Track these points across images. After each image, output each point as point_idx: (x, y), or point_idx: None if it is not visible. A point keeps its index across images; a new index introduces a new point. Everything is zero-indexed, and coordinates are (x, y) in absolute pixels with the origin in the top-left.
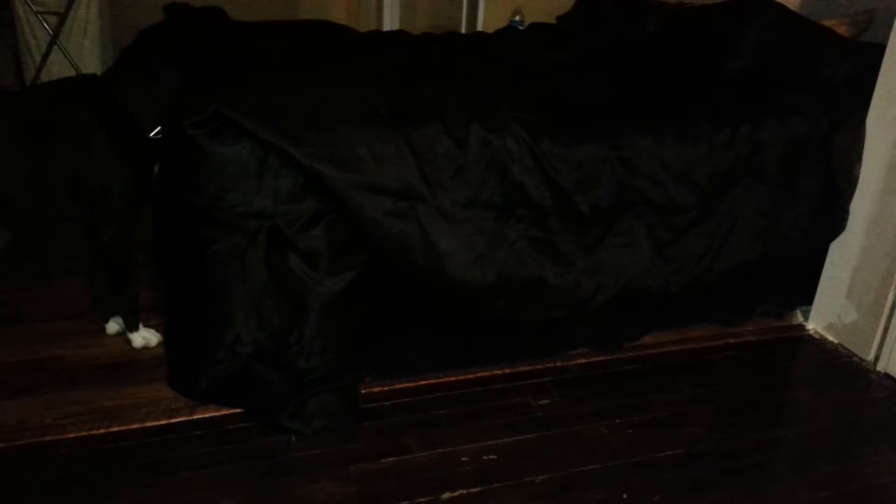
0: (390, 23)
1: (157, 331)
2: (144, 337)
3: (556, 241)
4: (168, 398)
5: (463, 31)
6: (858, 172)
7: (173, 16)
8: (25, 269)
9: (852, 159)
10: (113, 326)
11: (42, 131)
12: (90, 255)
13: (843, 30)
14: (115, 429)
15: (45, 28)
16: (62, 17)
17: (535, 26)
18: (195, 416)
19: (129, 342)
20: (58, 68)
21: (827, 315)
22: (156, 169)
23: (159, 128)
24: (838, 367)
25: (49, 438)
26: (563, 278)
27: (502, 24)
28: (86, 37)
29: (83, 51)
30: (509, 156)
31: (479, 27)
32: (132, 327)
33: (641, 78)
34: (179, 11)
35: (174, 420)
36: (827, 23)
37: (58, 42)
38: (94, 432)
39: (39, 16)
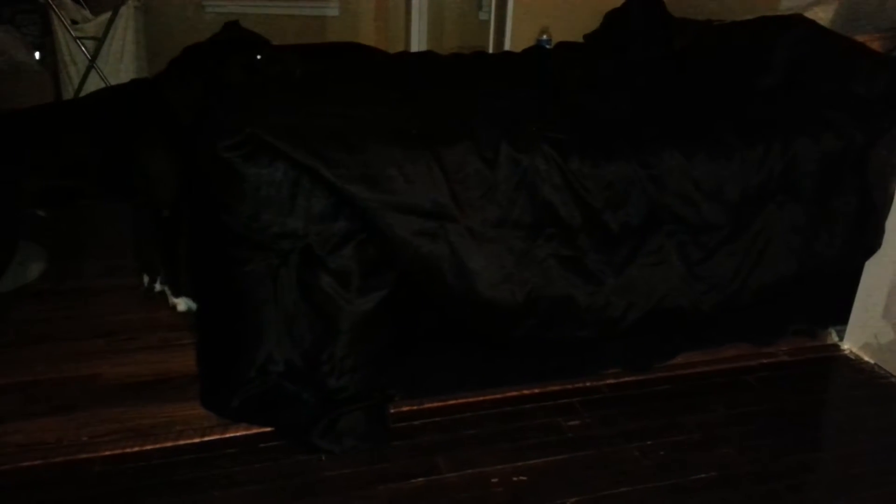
0: (418, 44)
1: (191, 350)
2: (187, 302)
3: (586, 259)
4: (200, 416)
5: (490, 50)
6: (894, 189)
7: (223, 35)
8: (61, 288)
9: (888, 176)
10: (182, 304)
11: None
12: (144, 236)
13: (876, 45)
14: (148, 447)
15: (84, 52)
16: (100, 42)
17: (562, 45)
18: (227, 435)
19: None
20: None
21: (862, 335)
22: None
23: None
24: (874, 387)
25: (84, 456)
26: (593, 297)
27: (530, 43)
28: (122, 61)
29: (119, 74)
30: (539, 175)
31: (507, 47)
32: (177, 293)
33: (671, 95)
34: (231, 31)
35: (206, 438)
36: (859, 38)
37: (95, 65)
38: (127, 450)
39: (78, 41)
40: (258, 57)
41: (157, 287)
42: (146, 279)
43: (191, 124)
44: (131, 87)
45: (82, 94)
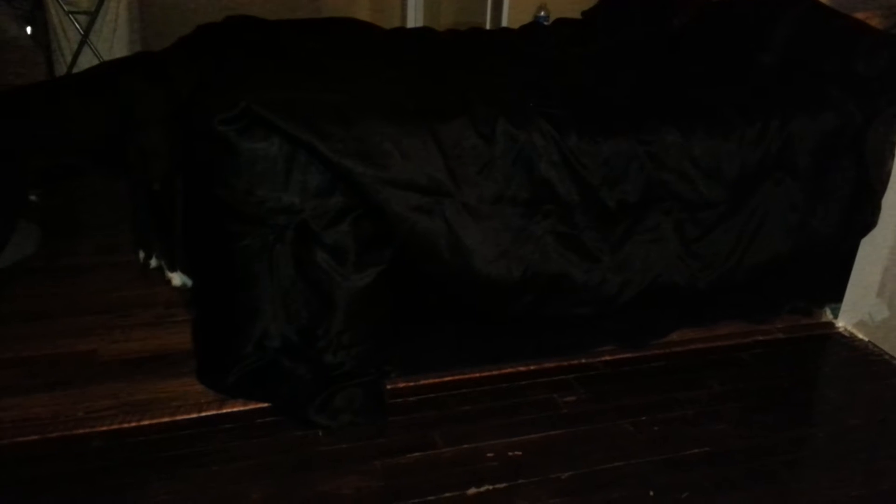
0: (414, 20)
1: (187, 325)
2: (182, 277)
3: (583, 236)
4: (197, 392)
5: (488, 27)
6: (891, 167)
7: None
8: (55, 265)
9: (885, 154)
10: (178, 279)
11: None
12: (139, 211)
13: (875, 22)
14: (145, 422)
15: (77, 27)
16: (93, 17)
17: (560, 21)
18: (224, 410)
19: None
20: (88, 67)
21: (857, 312)
22: None
23: None
24: (868, 365)
25: (81, 431)
26: (589, 274)
27: (527, 19)
28: (115, 35)
29: (113, 49)
30: (536, 151)
31: (504, 23)
32: (172, 268)
33: (669, 72)
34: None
35: (203, 414)
36: (859, 15)
37: (88, 41)
38: (124, 425)
39: (71, 15)
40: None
41: (153, 263)
42: (142, 254)
43: (187, 99)
44: (132, 60)
45: (75, 69)
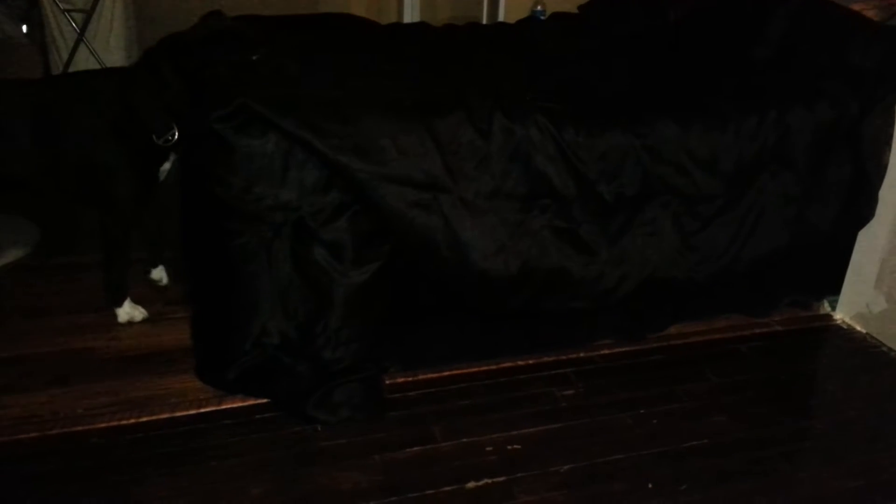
0: (411, 15)
1: (186, 323)
2: (128, 312)
3: (580, 230)
4: (196, 388)
5: (484, 21)
6: (888, 159)
7: (206, 29)
8: (53, 263)
9: (881, 146)
10: (156, 273)
11: (57, 121)
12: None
13: (871, 14)
14: (144, 419)
15: (72, 26)
16: (88, 15)
17: (556, 16)
18: (223, 406)
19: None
20: (84, 65)
21: (855, 305)
22: (165, 167)
23: (169, 134)
24: (866, 356)
25: (80, 428)
26: (587, 268)
27: (524, 14)
28: (111, 34)
29: (109, 47)
30: (532, 146)
31: (501, 18)
32: (115, 304)
33: (665, 66)
34: (217, 23)
35: (202, 410)
36: (855, 7)
37: (84, 39)
38: (124, 422)
39: (67, 14)
40: (254, 58)
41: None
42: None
43: (155, 126)
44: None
45: (71, 67)
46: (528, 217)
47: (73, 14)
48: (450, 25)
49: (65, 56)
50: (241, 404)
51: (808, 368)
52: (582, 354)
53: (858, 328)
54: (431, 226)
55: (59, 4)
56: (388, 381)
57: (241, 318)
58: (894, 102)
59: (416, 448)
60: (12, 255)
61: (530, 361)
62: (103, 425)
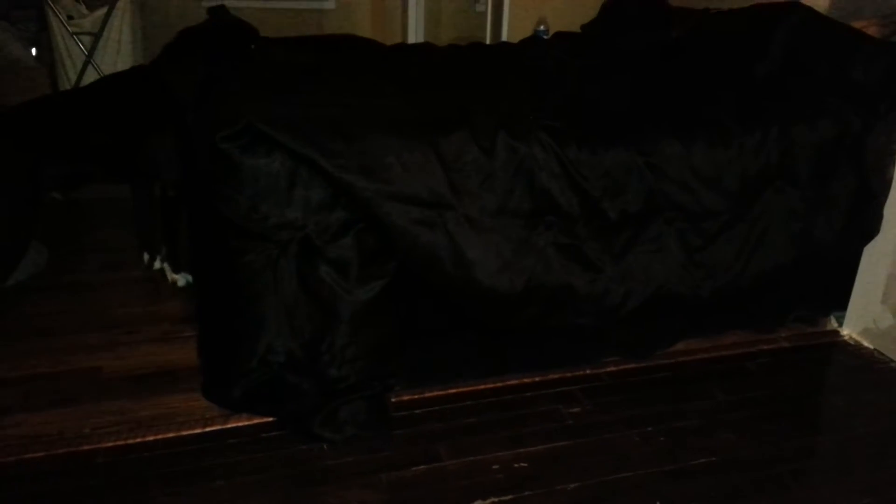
0: (415, 36)
1: (192, 342)
2: (185, 276)
3: (585, 247)
4: (202, 407)
5: (487, 41)
6: (892, 175)
7: (212, 20)
8: (61, 282)
9: (885, 161)
10: (182, 279)
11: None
12: (144, 214)
13: (873, 30)
14: (150, 438)
15: (80, 48)
16: (97, 38)
17: (559, 35)
18: (229, 425)
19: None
20: None
21: (861, 320)
22: None
23: None
24: (874, 372)
25: (87, 447)
26: (592, 285)
27: (527, 33)
28: (118, 56)
29: (117, 69)
30: (536, 163)
31: (504, 37)
32: (177, 269)
33: (668, 83)
34: (220, 17)
35: (208, 429)
36: (856, 24)
37: (92, 61)
38: (130, 441)
39: (75, 36)
40: (252, 46)
41: (158, 265)
42: (146, 257)
43: (191, 111)
44: (132, 73)
45: None
46: (533, 234)
47: (82, 37)
48: (454, 45)
49: (73, 78)
50: (247, 423)
51: (816, 385)
52: (588, 371)
53: (866, 344)
54: (436, 243)
55: (68, 27)
56: (393, 399)
57: (247, 336)
58: None
59: (422, 466)
60: (20, 275)
61: (536, 379)
62: (110, 444)
